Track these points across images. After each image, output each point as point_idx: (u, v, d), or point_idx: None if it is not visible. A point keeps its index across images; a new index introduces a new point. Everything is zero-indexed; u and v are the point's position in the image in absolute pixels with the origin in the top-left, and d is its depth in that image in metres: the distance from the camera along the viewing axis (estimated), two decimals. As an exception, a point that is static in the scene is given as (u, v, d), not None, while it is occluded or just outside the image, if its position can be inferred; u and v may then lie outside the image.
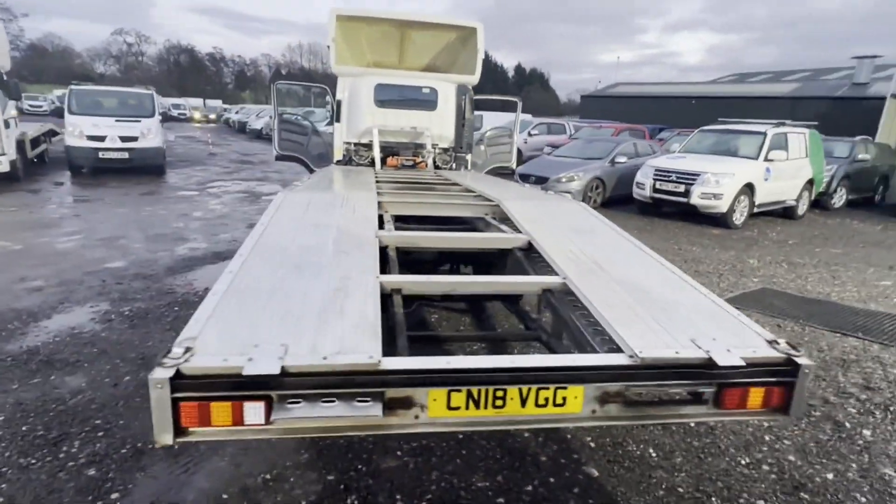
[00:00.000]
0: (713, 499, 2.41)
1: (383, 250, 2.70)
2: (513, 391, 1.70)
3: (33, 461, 2.47)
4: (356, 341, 1.70)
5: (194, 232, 7.11)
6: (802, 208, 10.37)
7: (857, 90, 19.14)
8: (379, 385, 1.61)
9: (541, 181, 9.97)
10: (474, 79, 6.64)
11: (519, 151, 9.16)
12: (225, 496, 2.31)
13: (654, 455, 2.72)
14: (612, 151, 10.99)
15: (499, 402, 1.72)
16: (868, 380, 3.63)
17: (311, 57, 71.75)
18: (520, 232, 3.11)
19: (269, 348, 1.62)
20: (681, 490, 2.46)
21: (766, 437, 2.90)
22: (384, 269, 2.46)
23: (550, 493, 2.41)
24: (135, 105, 12.03)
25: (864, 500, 2.44)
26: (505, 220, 3.64)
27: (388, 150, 6.49)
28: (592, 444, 2.79)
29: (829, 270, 6.57)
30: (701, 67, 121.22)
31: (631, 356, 1.76)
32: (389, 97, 6.49)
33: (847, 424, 3.06)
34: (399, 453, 2.65)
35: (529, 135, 17.05)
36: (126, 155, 11.23)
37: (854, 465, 2.69)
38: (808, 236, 8.77)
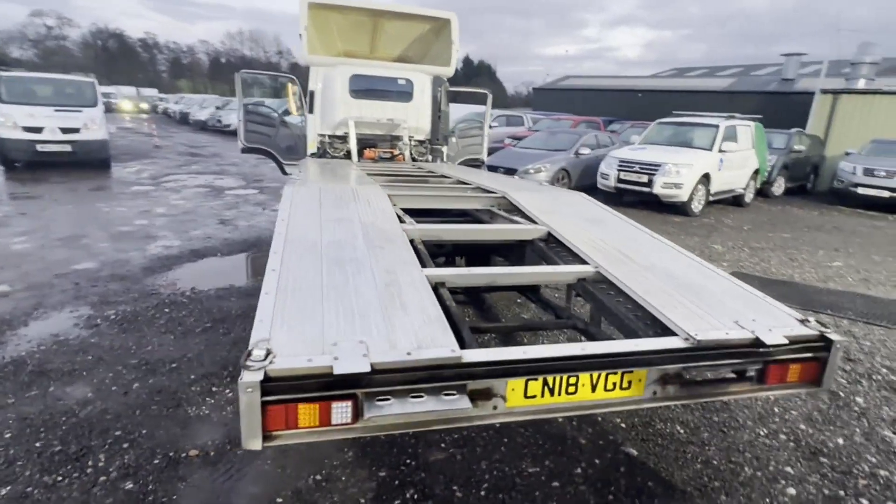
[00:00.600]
0: (746, 468, 2.58)
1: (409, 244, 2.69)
2: (584, 377, 1.76)
3: (59, 478, 2.29)
4: (431, 336, 1.71)
5: (162, 229, 6.72)
6: (749, 196, 11.09)
7: (785, 85, 20.55)
8: (464, 378, 1.62)
9: (509, 172, 10.10)
10: (449, 70, 6.62)
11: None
12: (279, 500, 2.24)
13: (682, 432, 2.87)
14: (576, 143, 11.29)
15: (571, 389, 1.78)
16: (847, 352, 3.96)
17: (253, 45, 68.73)
18: (535, 223, 3.18)
19: (350, 346, 1.59)
20: (715, 462, 2.61)
21: (776, 409, 3.12)
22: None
23: (600, 474, 2.50)
24: (73, 94, 11.10)
25: (873, 460, 2.68)
26: (511, 211, 3.68)
27: (365, 143, 6.38)
28: (623, 426, 2.90)
29: (786, 253, 7.07)
30: (639, 62, 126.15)
31: (686, 339, 1.86)
32: (365, 88, 6.37)
33: (841, 394, 3.34)
34: (443, 445, 2.66)
35: (490, 127, 17.18)
36: (68, 148, 10.41)
37: (857, 430, 2.94)
38: (758, 222, 9.39)
